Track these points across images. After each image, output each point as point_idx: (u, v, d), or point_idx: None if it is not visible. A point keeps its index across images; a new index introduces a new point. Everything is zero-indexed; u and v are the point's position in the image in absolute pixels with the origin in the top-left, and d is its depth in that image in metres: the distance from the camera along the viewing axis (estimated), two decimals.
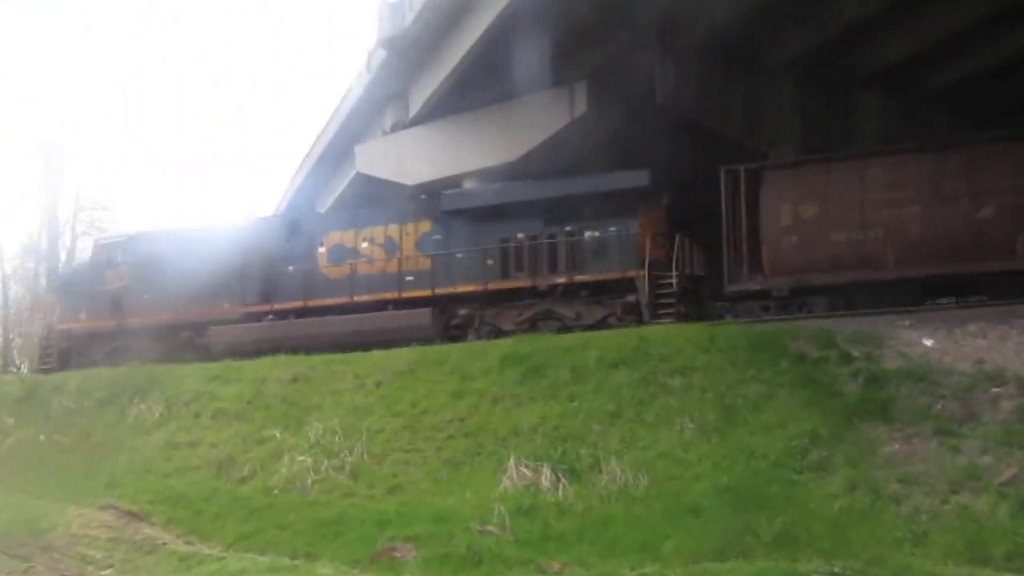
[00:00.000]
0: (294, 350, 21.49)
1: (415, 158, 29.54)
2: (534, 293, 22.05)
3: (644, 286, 20.64)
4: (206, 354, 23.96)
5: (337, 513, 14.87)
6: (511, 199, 22.82)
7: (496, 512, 13.63)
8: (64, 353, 26.75)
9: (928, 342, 15.51)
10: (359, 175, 32.65)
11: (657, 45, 24.34)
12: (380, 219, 24.26)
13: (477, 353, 18.75)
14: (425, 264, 23.20)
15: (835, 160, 20.39)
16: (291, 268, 24.47)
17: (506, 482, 14.52)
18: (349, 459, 16.40)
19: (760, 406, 14.82)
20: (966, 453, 12.88)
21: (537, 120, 26.90)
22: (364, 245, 24.12)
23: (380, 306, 23.25)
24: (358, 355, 20.43)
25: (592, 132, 26.82)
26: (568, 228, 21.87)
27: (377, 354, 20.07)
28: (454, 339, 21.73)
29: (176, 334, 25.00)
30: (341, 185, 35.75)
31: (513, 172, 26.62)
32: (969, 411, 13.64)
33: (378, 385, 18.63)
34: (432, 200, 24.30)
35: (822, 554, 11.44)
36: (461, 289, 22.53)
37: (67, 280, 29.07)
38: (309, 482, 16.08)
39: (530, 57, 24.21)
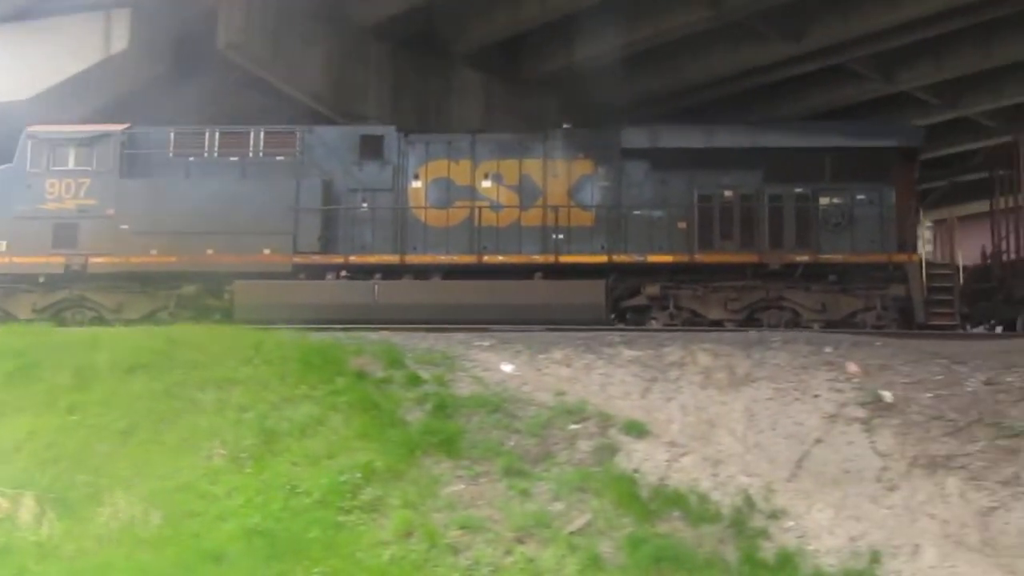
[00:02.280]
0: (382, 323, 19.29)
1: None
2: (757, 272, 21.09)
3: (918, 276, 20.18)
4: (225, 317, 20.69)
5: None
6: (718, 144, 21.58)
7: None
8: None
9: (507, 368, 16.52)
10: None
11: None
12: (511, 150, 22.17)
13: None
14: (583, 219, 21.84)
15: None
16: (364, 205, 21.89)
17: None
18: None
19: (308, 432, 14.96)
20: (537, 497, 13.65)
21: (63, 51, 25.91)
22: (486, 184, 22.08)
23: (519, 271, 21.38)
24: None
25: (134, 75, 26.20)
26: (799, 189, 21.11)
27: None
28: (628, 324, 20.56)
29: (173, 287, 21.49)
30: None
31: (26, 114, 25.33)
32: (545, 449, 14.56)
33: None
34: (598, 134, 22.49)
35: None
36: (653, 259, 21.20)
37: None
38: None
39: None
